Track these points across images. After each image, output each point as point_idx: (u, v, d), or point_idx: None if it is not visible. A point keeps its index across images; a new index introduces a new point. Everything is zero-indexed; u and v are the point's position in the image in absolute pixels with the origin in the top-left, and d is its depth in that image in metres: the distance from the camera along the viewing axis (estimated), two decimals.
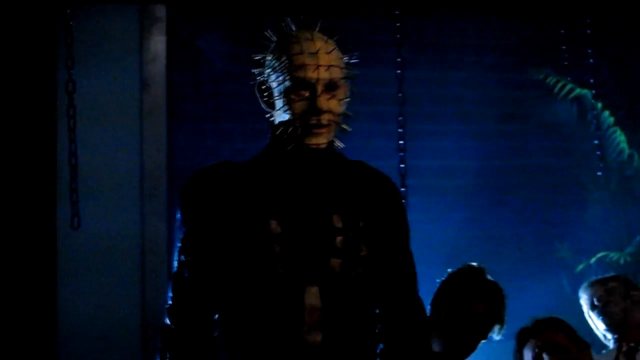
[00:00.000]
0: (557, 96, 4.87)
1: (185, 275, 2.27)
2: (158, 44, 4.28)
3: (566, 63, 4.87)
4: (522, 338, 3.17)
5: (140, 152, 4.23)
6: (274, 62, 2.27)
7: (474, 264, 3.10)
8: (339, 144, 2.31)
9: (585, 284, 3.75)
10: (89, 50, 4.16)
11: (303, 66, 2.22)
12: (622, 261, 4.78)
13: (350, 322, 2.25)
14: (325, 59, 2.24)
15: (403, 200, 2.49)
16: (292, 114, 2.23)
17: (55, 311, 4.06)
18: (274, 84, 2.28)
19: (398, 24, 4.50)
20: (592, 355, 3.07)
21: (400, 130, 4.46)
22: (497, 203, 4.83)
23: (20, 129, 4.00)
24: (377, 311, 2.34)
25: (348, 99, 2.29)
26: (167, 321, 2.28)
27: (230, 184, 2.28)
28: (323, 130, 2.24)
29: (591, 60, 4.91)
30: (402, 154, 4.42)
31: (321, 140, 2.24)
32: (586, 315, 3.69)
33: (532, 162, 4.90)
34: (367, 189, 2.35)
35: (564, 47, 4.89)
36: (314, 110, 2.21)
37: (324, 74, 2.22)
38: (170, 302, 2.29)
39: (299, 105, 2.22)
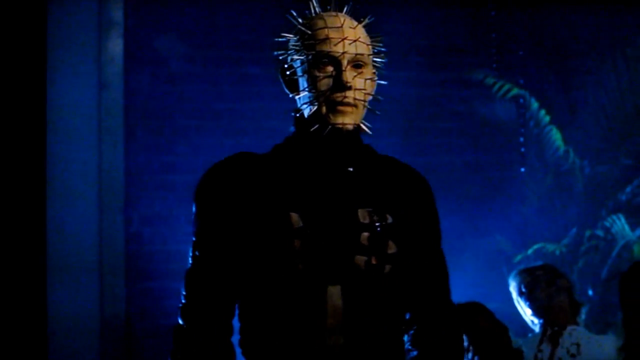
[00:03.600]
0: (496, 95, 5.01)
1: (199, 271, 2.11)
2: (116, 46, 4.43)
3: (503, 64, 5.02)
4: None
5: (99, 148, 4.36)
6: (297, 40, 2.13)
7: None
8: (366, 129, 2.14)
9: (514, 272, 3.93)
10: (49, 52, 4.27)
11: (327, 40, 2.08)
12: (558, 252, 4.97)
13: (375, 325, 2.07)
14: (351, 33, 2.09)
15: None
16: (316, 92, 2.07)
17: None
18: (297, 63, 2.13)
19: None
20: (510, 338, 3.27)
21: None
22: (441, 198, 4.97)
23: (9, 130, 4.08)
24: (407, 316, 2.18)
25: (375, 80, 2.15)
26: (180, 321, 2.11)
27: (249, 175, 2.12)
28: (349, 108, 2.07)
29: (528, 62, 5.09)
30: None
31: (347, 120, 2.08)
32: (515, 301, 3.87)
33: (475, 158, 5.03)
34: (397, 183, 2.18)
35: (502, 48, 5.04)
36: (339, 85, 2.05)
37: (349, 48, 2.07)
38: (183, 300, 2.12)
39: (324, 82, 2.07)
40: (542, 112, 5.08)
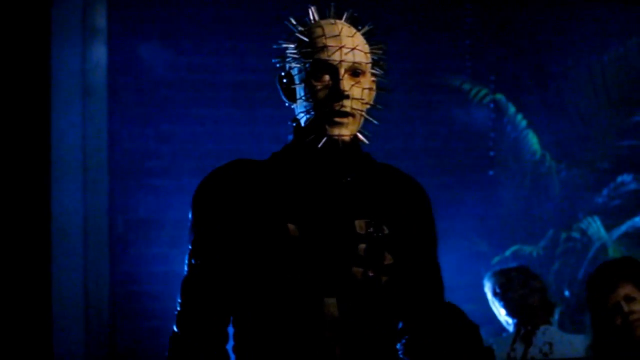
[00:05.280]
0: (473, 101, 5.08)
1: (195, 279, 2.10)
2: (100, 53, 4.47)
3: (479, 69, 5.11)
4: None
5: (84, 153, 4.39)
6: (295, 48, 2.10)
7: None
8: (363, 139, 2.09)
9: (488, 274, 4.03)
10: None
11: (324, 48, 2.04)
12: (534, 254, 5.07)
13: (371, 335, 2.06)
14: (348, 42, 2.06)
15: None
16: (314, 101, 2.05)
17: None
18: (295, 71, 2.10)
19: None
20: (481, 336, 3.35)
21: None
22: None
23: (14, 117, 4.13)
24: (400, 325, 2.18)
25: (374, 90, 2.11)
26: (175, 328, 2.11)
27: (246, 184, 2.09)
28: (346, 119, 2.04)
29: (504, 67, 5.17)
30: None
31: (344, 132, 2.04)
32: (490, 302, 3.97)
33: (451, 162, 5.09)
34: (394, 193, 2.15)
35: (477, 54, 5.12)
36: (337, 94, 2.02)
37: (346, 56, 2.04)
38: (179, 307, 2.11)
39: (321, 92, 2.04)
40: (519, 116, 5.16)
